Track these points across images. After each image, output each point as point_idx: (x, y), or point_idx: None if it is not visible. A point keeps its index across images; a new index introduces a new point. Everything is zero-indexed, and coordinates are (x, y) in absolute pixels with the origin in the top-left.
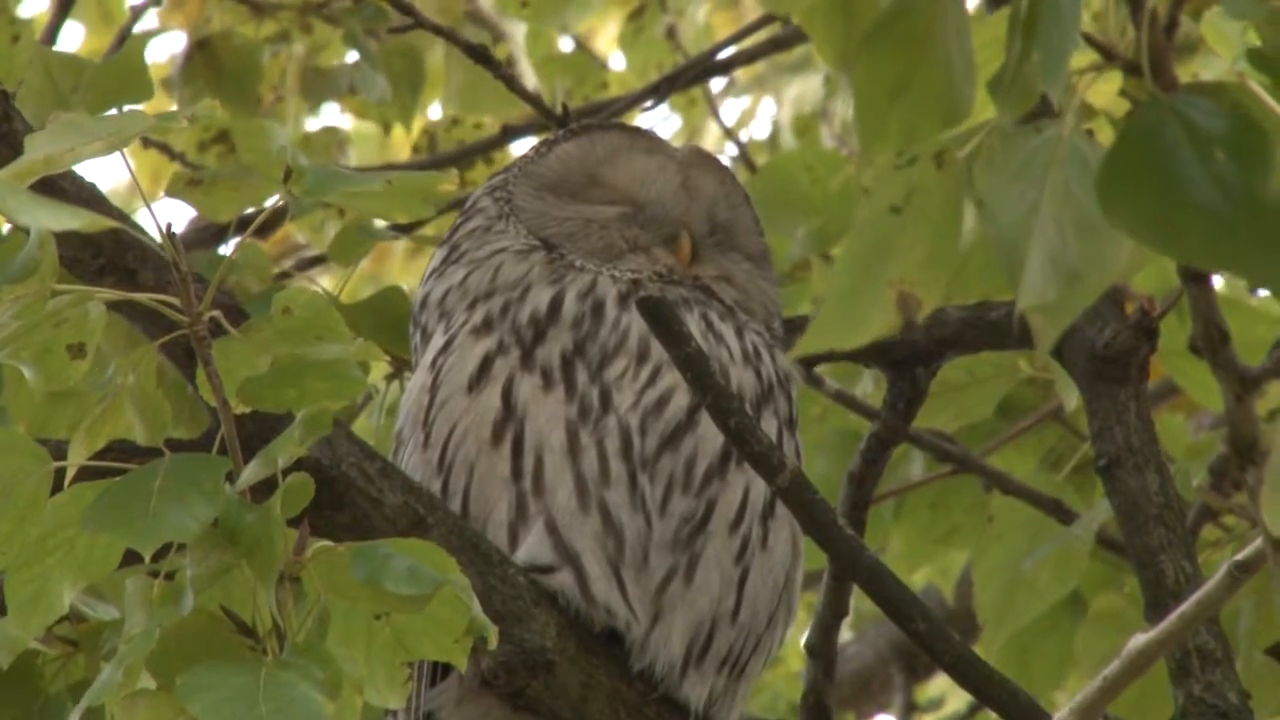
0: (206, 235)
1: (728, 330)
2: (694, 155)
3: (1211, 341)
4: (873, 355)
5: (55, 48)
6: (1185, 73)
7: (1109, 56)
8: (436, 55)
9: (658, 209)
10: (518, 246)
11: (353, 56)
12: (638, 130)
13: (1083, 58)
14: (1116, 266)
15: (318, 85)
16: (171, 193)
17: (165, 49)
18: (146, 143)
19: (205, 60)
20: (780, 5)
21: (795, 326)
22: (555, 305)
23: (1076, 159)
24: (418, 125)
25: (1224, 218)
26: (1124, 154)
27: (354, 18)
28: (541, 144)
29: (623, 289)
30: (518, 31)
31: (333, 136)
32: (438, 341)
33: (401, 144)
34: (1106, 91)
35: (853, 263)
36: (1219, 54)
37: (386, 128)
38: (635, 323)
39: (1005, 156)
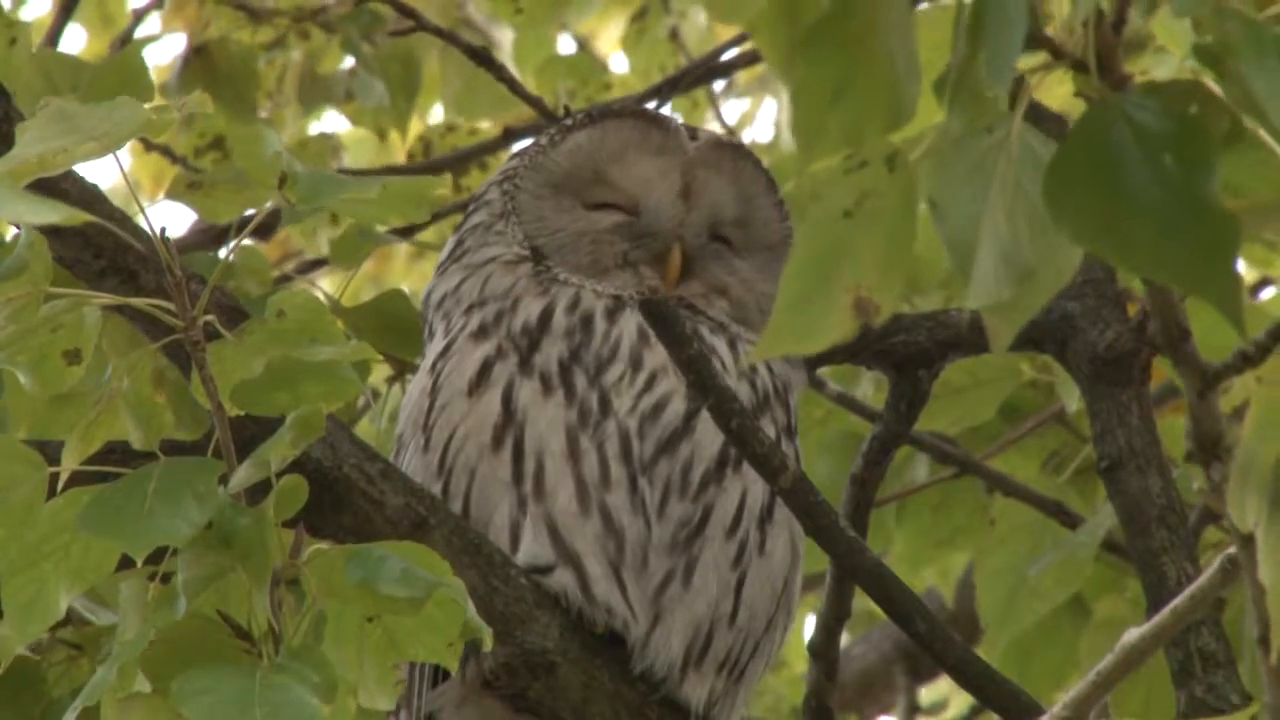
0: (208, 237)
1: (720, 343)
2: (709, 149)
3: (1172, 338)
4: (875, 358)
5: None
6: (1135, 68)
7: (1057, 55)
8: (433, 61)
9: (653, 219)
10: (508, 257)
11: (349, 62)
12: (655, 120)
13: (1034, 58)
14: (1072, 266)
15: (315, 91)
16: (172, 195)
17: (165, 53)
18: (148, 146)
19: (202, 66)
20: (727, 13)
21: None
22: (546, 317)
23: (1029, 158)
24: (414, 131)
25: (1167, 221)
26: (1071, 155)
27: (351, 24)
28: (557, 130)
29: (608, 304)
30: (506, 39)
31: (328, 142)
32: (437, 344)
33: (398, 150)
34: (1062, 94)
35: (804, 267)
36: (1171, 51)
37: (382, 134)
38: (625, 334)
39: (956, 157)
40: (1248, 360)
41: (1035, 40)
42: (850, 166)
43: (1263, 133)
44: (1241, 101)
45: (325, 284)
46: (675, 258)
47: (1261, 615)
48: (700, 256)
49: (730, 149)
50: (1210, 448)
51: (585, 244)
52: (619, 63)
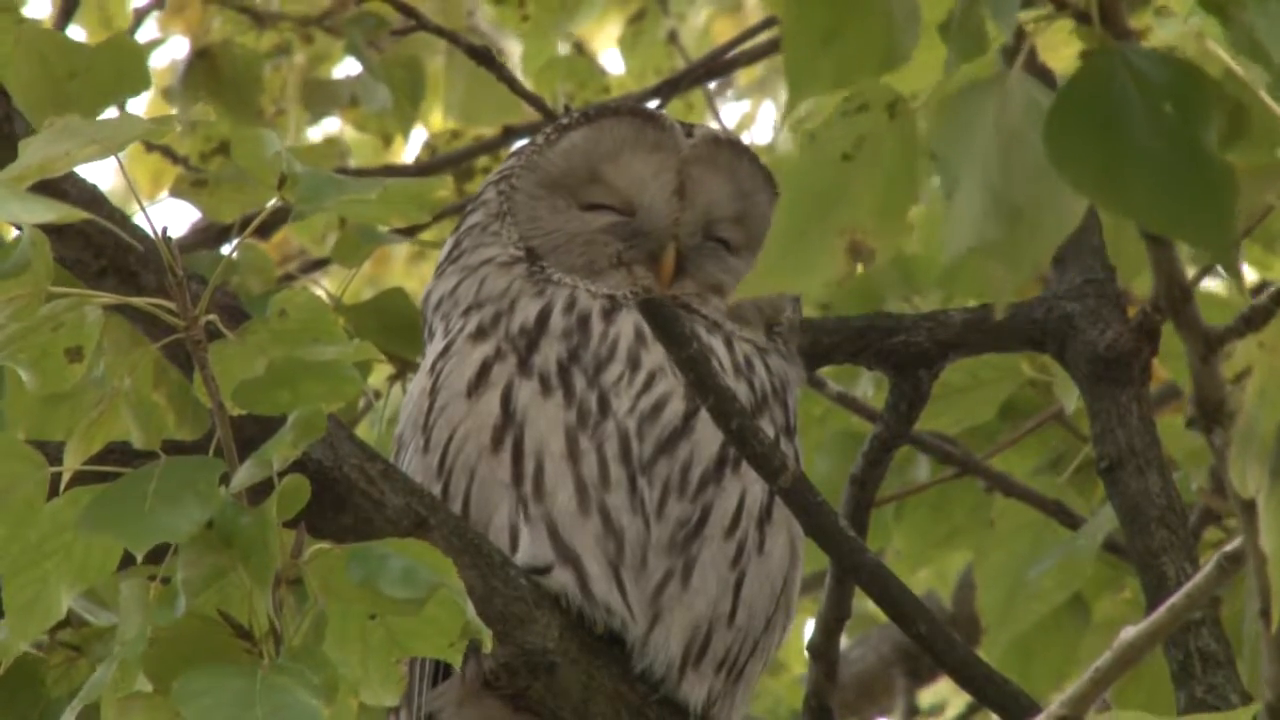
0: (210, 236)
1: (716, 343)
2: (705, 145)
3: (1174, 301)
4: (875, 358)
5: None
6: (1138, 24)
7: (1060, 5)
8: (437, 66)
9: (647, 219)
10: (503, 258)
11: (354, 67)
12: (650, 117)
13: (1038, 11)
14: (1075, 215)
15: (319, 96)
16: (175, 193)
17: (165, 56)
18: (149, 146)
19: (206, 70)
20: None
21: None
22: (543, 318)
23: (1031, 106)
24: (419, 139)
25: (1166, 170)
26: (1072, 101)
27: (355, 28)
28: (553, 129)
29: (604, 304)
30: (514, 49)
31: (333, 148)
32: (437, 345)
33: (401, 156)
34: (1068, 55)
35: (797, 206)
36: (1173, 11)
37: (386, 140)
38: (623, 334)
39: (958, 108)
40: (1249, 324)
41: None
42: (849, 109)
43: (1264, 94)
44: (1244, 46)
45: (325, 284)
46: (669, 257)
47: (1262, 584)
48: (695, 255)
49: (727, 145)
50: (1212, 413)
51: (579, 244)
52: (611, 60)
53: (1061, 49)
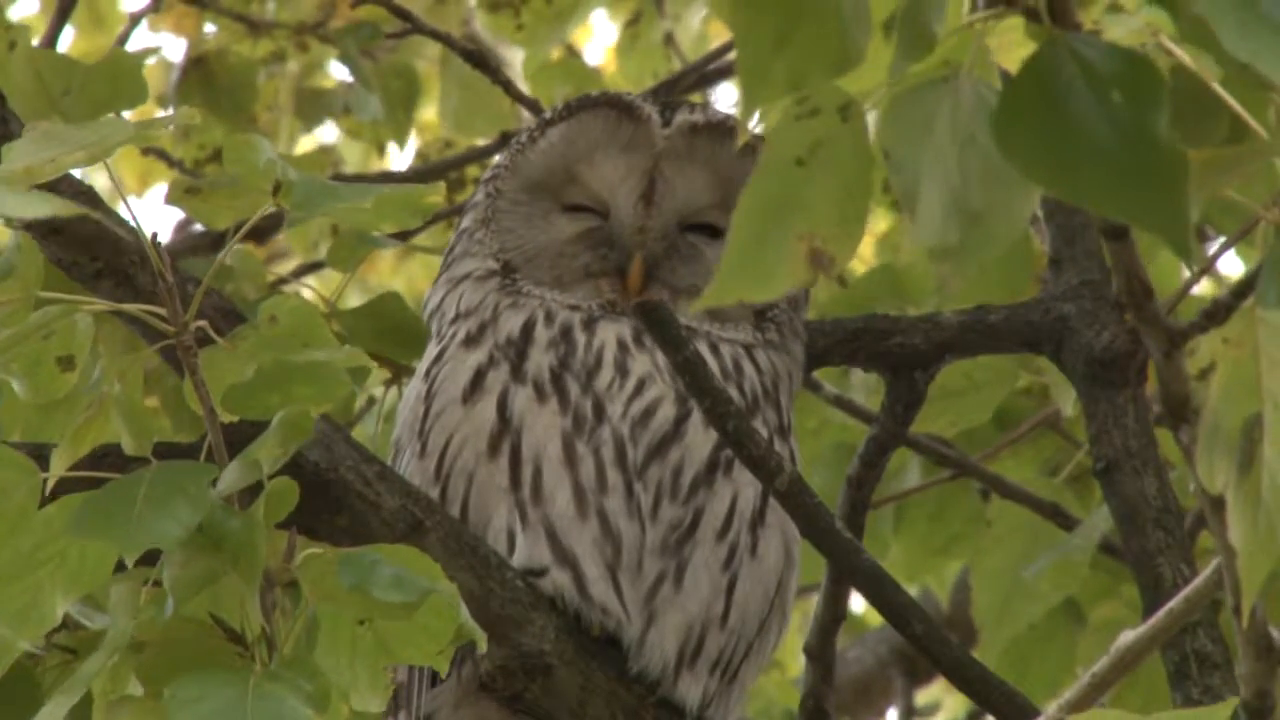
0: (204, 242)
1: (700, 347)
2: (681, 137)
3: (1135, 296)
4: (870, 360)
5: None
6: (1087, 20)
7: (1009, 2)
8: (431, 75)
9: (615, 226)
10: (480, 272)
11: (345, 75)
12: (628, 110)
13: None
14: (1026, 214)
15: (312, 105)
16: (170, 200)
17: (158, 63)
18: (145, 151)
19: (200, 78)
20: None
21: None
22: (528, 328)
23: (981, 107)
24: (412, 148)
25: (1117, 158)
26: (1021, 92)
27: (350, 37)
28: (537, 126)
29: (583, 316)
30: (516, 58)
31: (327, 156)
32: (431, 351)
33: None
34: (1020, 56)
35: (753, 213)
36: (1124, 7)
37: (380, 149)
38: (606, 344)
39: (910, 109)
40: (1211, 319)
41: None
42: (801, 113)
43: (1216, 85)
44: (1193, 35)
45: (311, 282)
46: (635, 269)
47: (1233, 580)
48: (666, 260)
49: (705, 131)
50: (1178, 410)
51: (549, 257)
52: (595, 53)
53: (1015, 50)
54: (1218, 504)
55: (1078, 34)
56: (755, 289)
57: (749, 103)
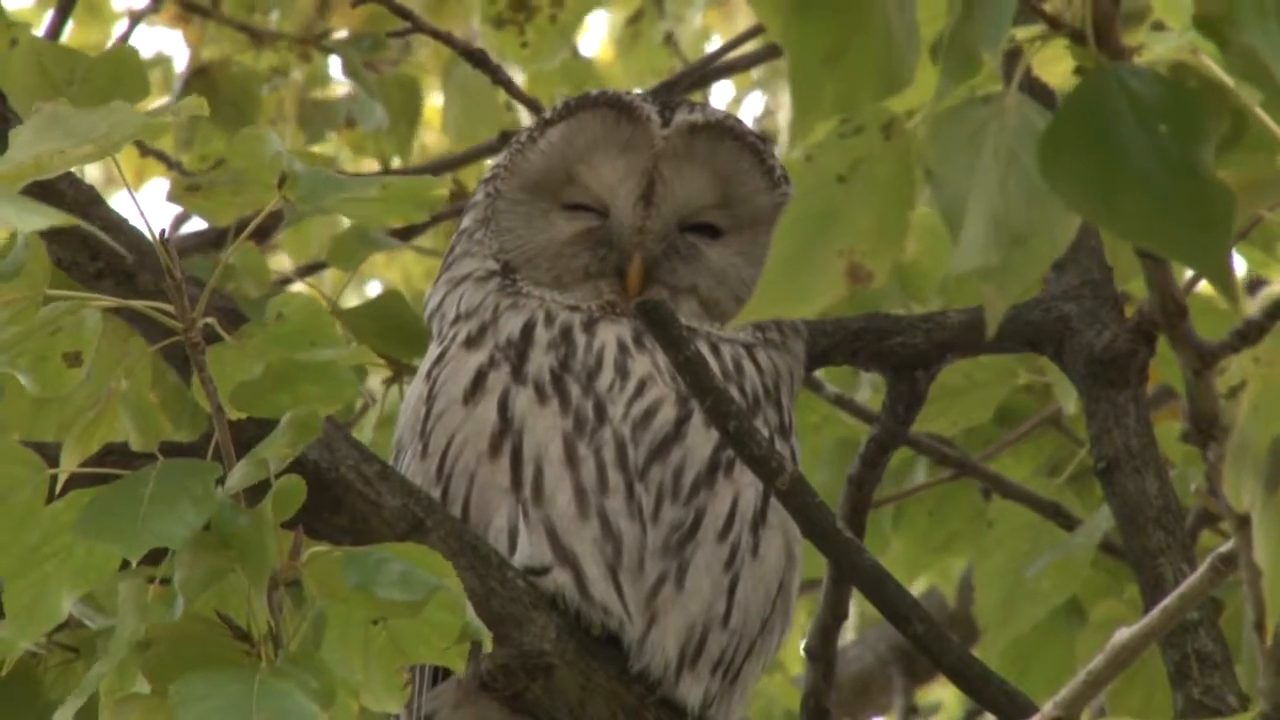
0: (200, 241)
1: (700, 347)
2: (680, 137)
3: (1169, 316)
4: (872, 359)
5: None
6: (1132, 41)
7: (1054, 25)
8: (433, 87)
9: (614, 227)
10: (480, 273)
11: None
12: (627, 109)
13: (1032, 29)
14: (1067, 236)
15: (315, 116)
16: (172, 198)
17: (161, 70)
18: (144, 151)
19: (204, 88)
20: None
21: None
22: (528, 330)
23: (1026, 127)
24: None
25: (1163, 191)
26: (1067, 122)
27: (353, 48)
28: (536, 126)
29: (583, 317)
30: (518, 77)
31: (330, 165)
32: (433, 352)
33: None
34: (1063, 71)
35: (795, 230)
36: (1169, 25)
37: (384, 160)
38: (607, 345)
39: (953, 127)
40: (1244, 339)
41: (1032, 10)
42: (845, 132)
43: (1259, 110)
44: (1243, 69)
45: (317, 285)
46: (635, 270)
47: (1257, 598)
48: (665, 260)
49: (704, 131)
50: (1206, 428)
51: (548, 257)
52: (590, 45)
53: (1057, 64)
54: (1244, 522)
55: (1126, 64)
56: (794, 305)
57: (802, 124)
